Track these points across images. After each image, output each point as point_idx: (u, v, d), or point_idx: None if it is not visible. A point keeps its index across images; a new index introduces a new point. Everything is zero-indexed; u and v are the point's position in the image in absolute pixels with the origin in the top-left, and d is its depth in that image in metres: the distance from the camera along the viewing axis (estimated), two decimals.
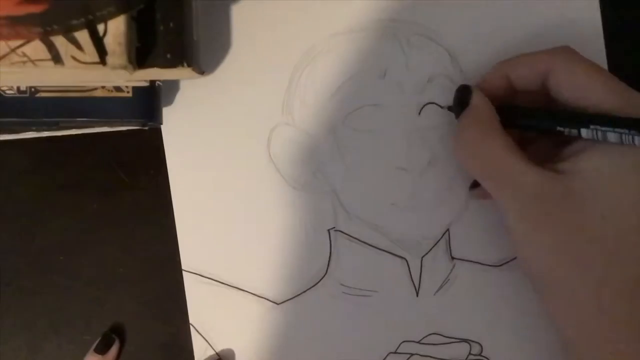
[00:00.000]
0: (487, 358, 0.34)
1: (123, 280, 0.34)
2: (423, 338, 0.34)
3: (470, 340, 0.34)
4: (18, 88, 0.30)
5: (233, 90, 0.34)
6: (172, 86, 0.34)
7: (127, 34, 0.25)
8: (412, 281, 0.34)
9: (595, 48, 0.35)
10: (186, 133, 0.34)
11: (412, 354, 0.34)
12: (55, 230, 0.34)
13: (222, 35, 0.34)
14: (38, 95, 0.30)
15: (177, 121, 0.34)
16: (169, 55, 0.27)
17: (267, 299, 0.34)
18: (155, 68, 0.27)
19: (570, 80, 0.28)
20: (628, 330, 0.26)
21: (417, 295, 0.34)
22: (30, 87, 0.30)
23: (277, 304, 0.34)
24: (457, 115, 0.31)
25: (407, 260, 0.34)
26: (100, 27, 0.25)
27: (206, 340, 0.34)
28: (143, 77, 0.28)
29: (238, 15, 0.34)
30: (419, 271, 0.34)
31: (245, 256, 0.34)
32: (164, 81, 0.32)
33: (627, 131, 0.26)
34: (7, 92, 0.29)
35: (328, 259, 0.34)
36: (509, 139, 0.28)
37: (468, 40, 0.34)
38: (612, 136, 0.27)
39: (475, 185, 0.33)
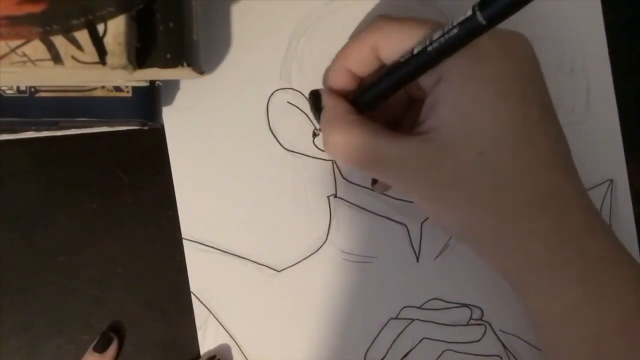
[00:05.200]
0: (488, 322, 0.34)
1: (123, 280, 0.34)
2: (424, 303, 0.34)
3: (471, 304, 0.34)
4: (18, 88, 0.30)
5: (232, 90, 0.34)
6: (172, 86, 0.34)
7: (127, 34, 0.25)
8: (412, 247, 0.34)
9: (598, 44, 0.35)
10: (186, 110, 0.34)
11: (413, 320, 0.34)
12: (55, 230, 0.34)
13: (222, 35, 0.34)
14: (38, 95, 0.30)
15: (177, 117, 0.34)
16: (169, 55, 0.27)
17: (268, 267, 0.34)
18: (155, 68, 0.27)
19: (393, 45, 0.28)
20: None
21: (418, 261, 0.34)
22: (30, 87, 0.30)
23: (278, 271, 0.34)
24: (317, 119, 0.31)
25: (407, 226, 0.34)
26: (100, 27, 0.25)
27: (207, 308, 0.34)
28: (143, 77, 0.28)
29: (238, 15, 0.34)
30: (419, 237, 0.34)
31: (245, 224, 0.34)
32: (164, 81, 0.32)
33: (440, 33, 0.25)
34: (7, 92, 0.29)
35: (328, 226, 0.34)
36: (371, 123, 0.29)
37: (465, 5, 0.34)
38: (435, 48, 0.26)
39: (374, 180, 0.33)
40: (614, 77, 0.35)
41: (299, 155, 0.34)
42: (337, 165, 0.34)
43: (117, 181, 0.34)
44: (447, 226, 0.30)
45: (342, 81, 0.31)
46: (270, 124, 0.34)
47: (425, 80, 0.28)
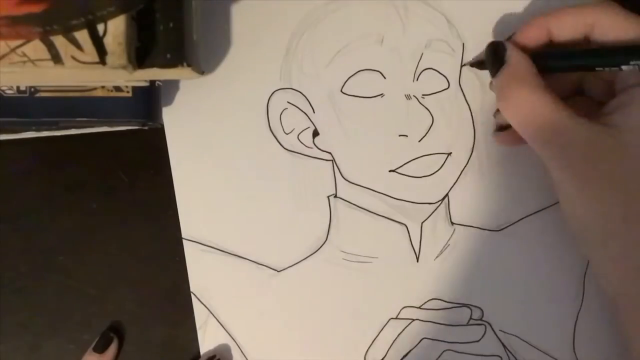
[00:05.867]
0: (488, 322, 0.34)
1: (123, 280, 0.34)
2: (424, 303, 0.34)
3: (471, 305, 0.34)
4: (18, 88, 0.30)
5: (232, 90, 0.34)
6: (172, 86, 0.34)
7: (127, 34, 0.25)
8: (412, 247, 0.34)
9: None
10: (186, 110, 0.34)
11: (413, 320, 0.34)
12: (55, 230, 0.34)
13: (222, 35, 0.34)
14: (38, 95, 0.30)
15: (177, 116, 0.34)
16: (169, 55, 0.27)
17: (268, 267, 0.34)
18: (155, 68, 0.27)
19: (614, 31, 0.28)
20: None
21: (418, 261, 0.34)
22: (30, 87, 0.30)
23: (278, 271, 0.34)
24: (493, 73, 0.30)
25: (407, 226, 0.34)
26: (100, 27, 0.25)
27: (207, 308, 0.34)
28: (143, 77, 0.28)
29: (238, 15, 0.34)
30: (419, 237, 0.34)
31: (245, 224, 0.34)
32: (164, 81, 0.32)
33: None
34: (7, 92, 0.29)
35: (328, 226, 0.34)
36: (554, 94, 0.28)
37: (465, 5, 0.34)
38: None
39: (501, 128, 0.33)
40: None
41: (299, 155, 0.34)
42: (337, 165, 0.34)
43: (117, 181, 0.34)
44: (580, 220, 0.29)
45: (535, 37, 0.30)
46: (270, 124, 0.34)
47: (625, 76, 0.28)
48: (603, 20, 0.28)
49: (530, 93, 0.28)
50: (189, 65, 0.27)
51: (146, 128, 0.33)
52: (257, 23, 0.34)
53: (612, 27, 0.28)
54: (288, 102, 0.34)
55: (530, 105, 0.28)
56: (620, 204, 0.27)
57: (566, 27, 0.30)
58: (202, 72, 0.29)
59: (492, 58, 0.30)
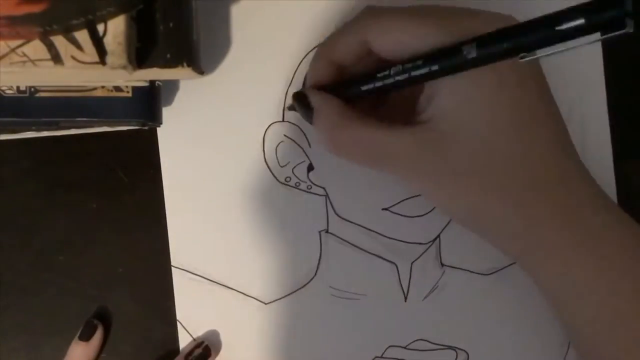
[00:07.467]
0: None
1: (122, 280, 0.34)
2: (409, 344, 0.34)
3: (456, 347, 0.34)
4: (18, 88, 0.30)
5: (232, 91, 0.34)
6: (172, 86, 0.34)
7: (127, 33, 0.25)
8: (401, 286, 0.34)
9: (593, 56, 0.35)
10: (183, 132, 0.34)
11: (398, 359, 0.34)
12: (55, 230, 0.34)
13: (222, 35, 0.34)
14: (38, 95, 0.30)
15: (175, 121, 0.34)
16: (169, 55, 0.27)
17: (255, 299, 0.34)
18: (155, 68, 0.27)
19: (386, 37, 0.27)
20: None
21: (406, 301, 0.34)
22: (30, 87, 0.30)
23: (265, 303, 0.34)
24: (309, 121, 0.30)
25: (396, 265, 0.34)
26: (100, 27, 0.25)
27: (193, 338, 0.34)
28: (143, 77, 0.28)
29: (238, 15, 0.34)
30: (408, 276, 0.34)
31: (235, 255, 0.34)
32: (164, 81, 0.32)
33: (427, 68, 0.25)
34: (7, 91, 0.29)
35: (318, 261, 0.34)
36: (366, 118, 0.28)
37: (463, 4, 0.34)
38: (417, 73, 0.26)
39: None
40: (607, 84, 0.35)
41: (293, 188, 0.34)
42: (330, 201, 0.34)
43: (117, 181, 0.34)
44: (452, 214, 0.30)
45: (328, 75, 0.30)
46: (266, 156, 0.34)
47: None
48: (372, 33, 0.28)
49: (341, 129, 0.28)
50: (189, 65, 0.27)
51: (146, 128, 0.33)
52: (257, 23, 0.34)
53: (382, 35, 0.27)
54: (285, 136, 0.34)
55: (348, 139, 0.28)
56: (468, 190, 0.27)
57: (347, 53, 0.29)
58: (202, 72, 0.29)
59: (302, 108, 0.30)
